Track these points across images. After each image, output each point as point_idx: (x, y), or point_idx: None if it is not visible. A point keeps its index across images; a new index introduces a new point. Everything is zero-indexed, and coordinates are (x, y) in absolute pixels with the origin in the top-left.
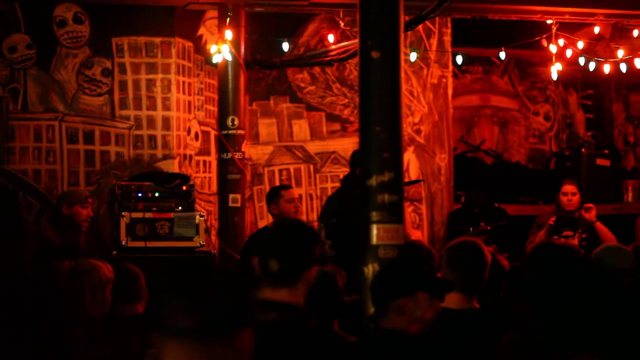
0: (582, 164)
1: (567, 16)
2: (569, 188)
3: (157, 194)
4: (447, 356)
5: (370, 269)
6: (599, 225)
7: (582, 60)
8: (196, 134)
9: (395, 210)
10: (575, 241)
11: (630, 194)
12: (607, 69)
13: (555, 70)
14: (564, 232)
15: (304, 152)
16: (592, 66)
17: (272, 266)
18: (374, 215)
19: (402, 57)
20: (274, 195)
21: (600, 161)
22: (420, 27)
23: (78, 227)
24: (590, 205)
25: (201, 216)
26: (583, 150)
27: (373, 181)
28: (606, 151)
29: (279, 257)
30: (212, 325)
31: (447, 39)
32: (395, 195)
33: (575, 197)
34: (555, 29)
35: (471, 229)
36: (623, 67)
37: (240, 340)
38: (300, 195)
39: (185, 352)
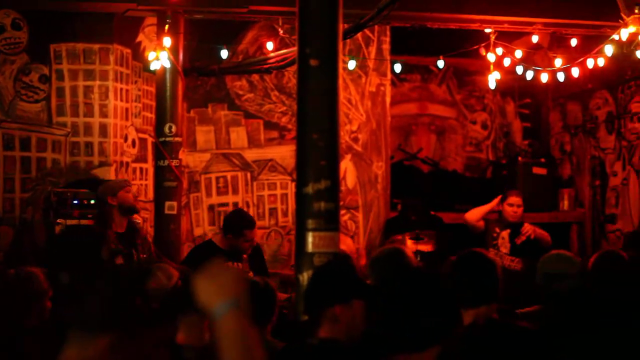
0: (519, 172)
1: (505, 25)
2: (515, 200)
3: (92, 201)
4: None
5: (305, 277)
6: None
7: (519, 69)
8: (133, 141)
9: (331, 218)
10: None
11: (566, 203)
12: (544, 78)
13: (493, 79)
14: (504, 232)
15: (241, 159)
16: (529, 75)
17: None
18: (310, 223)
19: (341, 65)
20: (238, 232)
21: (536, 170)
22: (359, 35)
23: (132, 209)
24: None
25: (137, 223)
26: (520, 158)
27: (309, 189)
28: (542, 160)
29: None
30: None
31: (386, 47)
32: (331, 203)
33: (520, 209)
34: (493, 37)
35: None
36: (560, 76)
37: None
38: (237, 203)
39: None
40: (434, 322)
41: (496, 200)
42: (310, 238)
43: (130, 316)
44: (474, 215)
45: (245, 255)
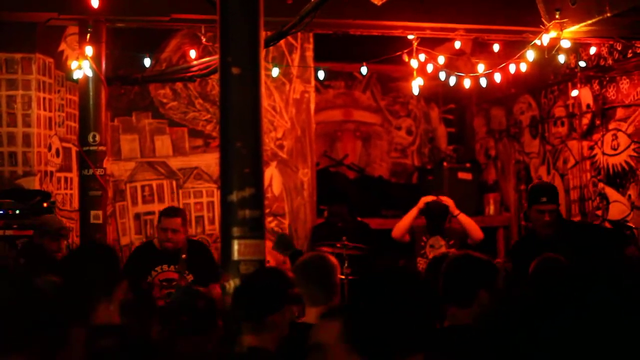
0: (444, 177)
1: (427, 31)
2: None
3: (17, 211)
4: None
5: (231, 285)
6: (462, 217)
7: (442, 75)
8: (57, 151)
9: (256, 225)
10: (444, 249)
11: (491, 207)
12: (467, 83)
13: (416, 85)
14: (432, 240)
15: (166, 167)
16: (452, 81)
17: None
18: (235, 230)
19: (263, 72)
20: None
21: (461, 175)
22: (282, 42)
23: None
24: (445, 198)
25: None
26: (445, 164)
27: (234, 197)
28: (468, 165)
29: None
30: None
31: (309, 54)
32: (256, 211)
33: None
34: (416, 44)
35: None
36: (483, 82)
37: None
38: (173, 214)
39: None
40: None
41: (421, 202)
42: (235, 246)
43: None
44: (399, 230)
45: (184, 256)
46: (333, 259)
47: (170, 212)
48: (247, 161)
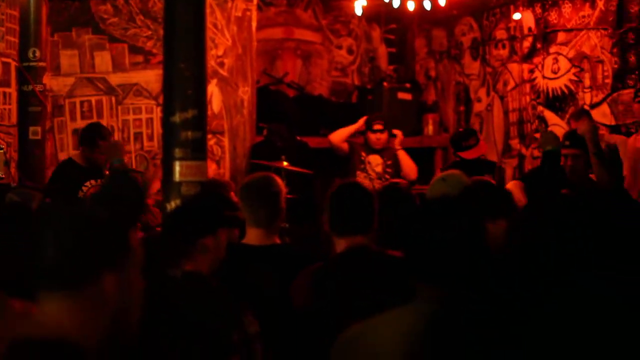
0: (384, 97)
1: None
2: (378, 127)
3: None
4: (247, 292)
5: (173, 205)
6: (401, 153)
7: None
8: None
9: (198, 147)
10: (380, 169)
11: (430, 128)
12: (411, 6)
13: (359, 5)
14: (370, 157)
15: (105, 83)
16: (396, 3)
17: None
18: (177, 152)
19: None
20: (89, 144)
21: (401, 95)
22: None
23: None
24: (397, 131)
25: (0, 149)
26: (385, 84)
27: (177, 118)
28: (408, 85)
29: None
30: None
31: None
32: (198, 132)
33: (383, 134)
34: None
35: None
36: (427, 5)
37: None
38: (109, 136)
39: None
40: None
41: (361, 121)
42: (177, 167)
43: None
44: (339, 136)
45: (107, 172)
46: (280, 182)
47: (108, 134)
48: (190, 83)
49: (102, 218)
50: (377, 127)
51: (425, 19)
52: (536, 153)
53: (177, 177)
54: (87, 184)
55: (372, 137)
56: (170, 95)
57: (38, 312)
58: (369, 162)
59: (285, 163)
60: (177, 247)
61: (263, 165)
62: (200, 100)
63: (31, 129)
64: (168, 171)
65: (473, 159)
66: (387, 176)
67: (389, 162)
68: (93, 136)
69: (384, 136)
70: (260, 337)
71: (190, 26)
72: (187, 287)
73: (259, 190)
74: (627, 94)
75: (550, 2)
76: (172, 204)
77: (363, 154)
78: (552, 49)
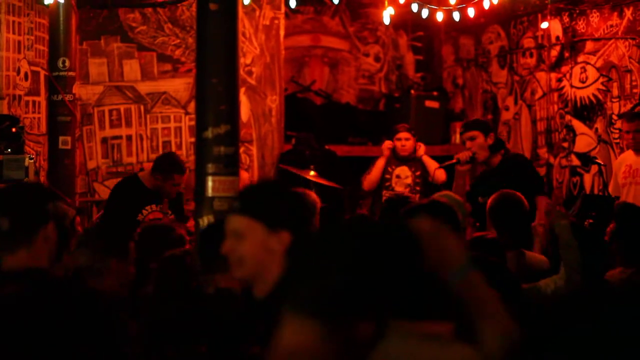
0: (411, 105)
1: None
2: (404, 135)
3: None
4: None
5: (205, 221)
6: (426, 158)
7: (415, 7)
8: (25, 74)
9: (230, 162)
10: (410, 180)
11: (458, 136)
12: (440, 17)
13: (387, 14)
14: (398, 170)
15: (134, 92)
16: (425, 14)
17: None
18: (209, 167)
19: (241, 8)
20: (165, 173)
21: (429, 103)
22: None
23: None
24: (420, 144)
25: (31, 158)
26: (412, 91)
27: (209, 133)
28: (435, 93)
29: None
30: None
31: None
32: (231, 148)
33: (409, 142)
34: None
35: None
36: (456, 16)
37: None
38: (131, 136)
39: None
40: None
41: (383, 158)
42: (210, 182)
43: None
44: (370, 184)
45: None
46: (315, 198)
47: (184, 168)
48: (222, 98)
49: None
50: (402, 134)
51: (453, 27)
52: (564, 162)
53: (209, 192)
54: (148, 207)
55: (397, 144)
56: (202, 110)
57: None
58: (398, 176)
59: (312, 173)
60: (213, 263)
61: (291, 172)
62: (232, 116)
63: (61, 138)
64: (201, 186)
65: None
66: (417, 187)
67: (417, 173)
68: (171, 169)
69: (409, 143)
70: None
71: (223, 41)
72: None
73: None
74: None
75: (577, 11)
76: (205, 220)
77: (390, 169)
78: (580, 58)
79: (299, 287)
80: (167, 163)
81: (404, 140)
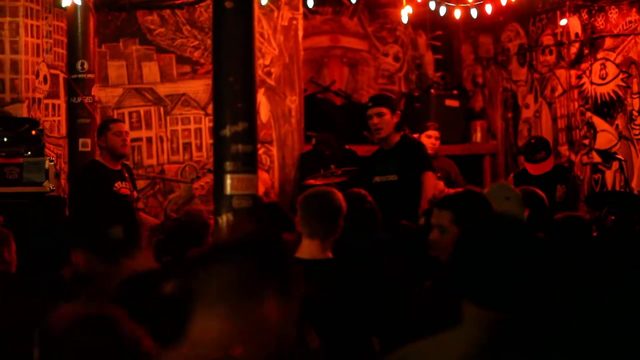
0: (431, 104)
1: None
2: (434, 133)
3: (5, 139)
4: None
5: (224, 219)
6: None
7: (432, 5)
8: (45, 77)
9: (249, 160)
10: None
11: (478, 135)
12: (457, 14)
13: (405, 13)
14: None
15: (154, 94)
16: (442, 11)
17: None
18: (228, 165)
19: (257, 7)
20: (103, 128)
21: (449, 102)
22: None
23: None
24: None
25: (51, 161)
26: (432, 91)
27: (227, 131)
28: (455, 92)
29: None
30: None
31: None
32: (249, 145)
33: (438, 141)
34: None
35: (322, 170)
36: (474, 13)
37: None
38: (151, 138)
39: None
40: None
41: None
42: (228, 180)
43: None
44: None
45: (126, 174)
46: (341, 198)
47: (116, 119)
48: (239, 96)
49: None
50: (432, 132)
51: (471, 26)
52: (585, 159)
53: (228, 190)
54: (117, 184)
55: (427, 142)
56: (220, 108)
57: None
58: None
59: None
60: None
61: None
62: (250, 113)
63: (81, 140)
64: (219, 184)
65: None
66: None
67: (438, 175)
68: (104, 124)
69: (438, 143)
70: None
71: (239, 39)
72: None
73: (314, 204)
74: None
75: (596, 8)
76: (224, 218)
77: None
78: (600, 55)
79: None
80: (100, 124)
81: (434, 139)
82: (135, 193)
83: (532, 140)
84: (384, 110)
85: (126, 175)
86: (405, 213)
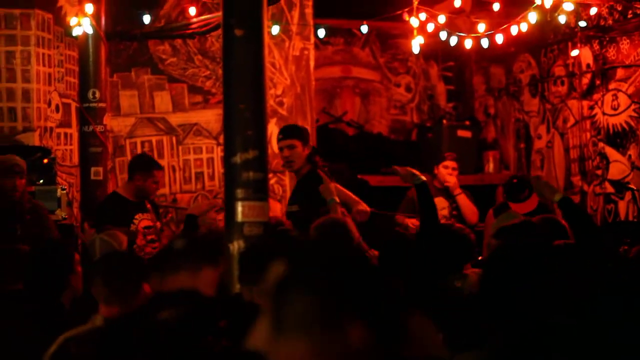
0: (444, 135)
1: None
2: (451, 163)
3: None
4: None
5: (235, 246)
6: (461, 198)
7: (443, 35)
8: (57, 106)
9: (260, 187)
10: (446, 212)
11: (491, 165)
12: (468, 44)
13: (416, 44)
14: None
15: (166, 123)
16: (453, 41)
17: None
18: (239, 192)
19: (266, 34)
20: (146, 169)
21: (461, 132)
22: None
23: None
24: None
25: (63, 189)
26: (444, 121)
27: (237, 159)
28: (467, 122)
29: None
30: None
31: (309, 11)
32: (259, 173)
33: (455, 172)
34: (416, 2)
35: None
36: (485, 43)
37: None
38: (163, 167)
39: None
40: None
41: None
42: (239, 208)
43: None
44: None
45: (148, 205)
46: (352, 226)
47: (159, 166)
48: (250, 123)
49: None
50: (449, 163)
51: (483, 56)
52: (598, 190)
53: (239, 217)
54: (137, 216)
55: (444, 172)
56: (230, 135)
57: None
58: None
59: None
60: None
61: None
62: (261, 141)
63: (93, 169)
64: (230, 212)
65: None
66: (452, 220)
67: (454, 205)
68: (150, 166)
69: (455, 173)
70: None
71: (250, 66)
72: None
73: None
74: None
75: (607, 39)
76: (235, 245)
77: None
78: (612, 85)
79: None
80: (145, 162)
81: (451, 169)
82: (159, 223)
83: (514, 180)
84: (296, 142)
85: (148, 206)
86: None
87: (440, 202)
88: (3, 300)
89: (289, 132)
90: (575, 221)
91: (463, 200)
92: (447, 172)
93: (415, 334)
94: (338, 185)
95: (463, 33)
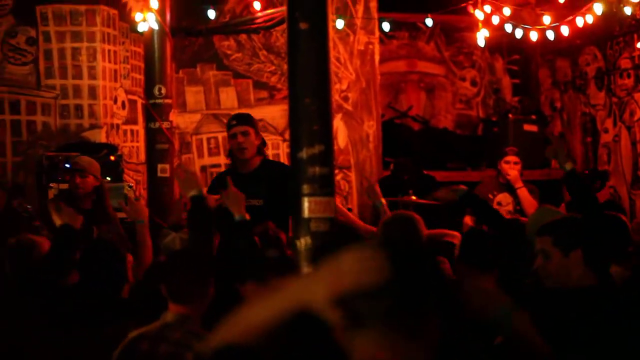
0: (509, 129)
1: None
2: (513, 158)
3: None
4: None
5: (302, 242)
6: (522, 192)
7: (509, 28)
8: (123, 103)
9: (326, 182)
10: (511, 207)
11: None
12: (534, 36)
13: (482, 37)
14: (500, 196)
15: None
16: (519, 33)
17: None
18: (305, 188)
19: (331, 28)
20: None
21: (527, 127)
22: None
23: None
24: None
25: (130, 186)
26: (510, 115)
27: (303, 154)
28: (533, 117)
29: None
30: None
31: (373, 4)
32: (325, 168)
33: (517, 166)
34: None
35: (400, 196)
36: (550, 35)
37: None
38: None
39: None
40: None
41: None
42: (306, 203)
43: None
44: None
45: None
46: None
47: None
48: (316, 118)
49: None
50: (510, 158)
51: (548, 49)
52: None
53: (306, 213)
54: None
55: (506, 167)
56: (296, 131)
57: None
58: (499, 203)
59: (413, 197)
60: None
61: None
62: (326, 136)
63: (159, 166)
64: (297, 208)
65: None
66: (517, 215)
67: (517, 199)
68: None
69: (518, 167)
70: None
71: (314, 60)
72: None
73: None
74: None
75: None
76: (302, 241)
77: (490, 196)
78: None
79: None
80: None
81: (512, 164)
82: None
83: (586, 172)
84: (249, 129)
85: None
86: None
87: (505, 198)
88: (63, 295)
89: (243, 119)
90: (578, 193)
91: (523, 194)
92: (509, 167)
93: None
94: (340, 205)
95: (528, 25)
